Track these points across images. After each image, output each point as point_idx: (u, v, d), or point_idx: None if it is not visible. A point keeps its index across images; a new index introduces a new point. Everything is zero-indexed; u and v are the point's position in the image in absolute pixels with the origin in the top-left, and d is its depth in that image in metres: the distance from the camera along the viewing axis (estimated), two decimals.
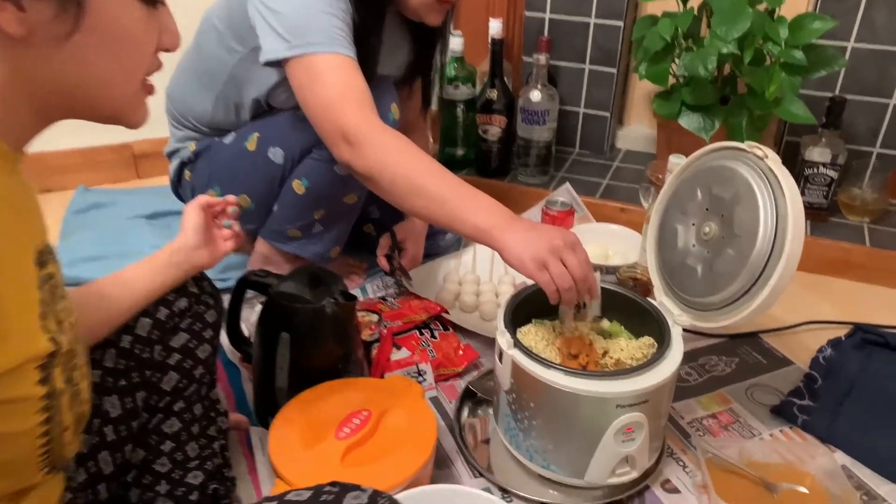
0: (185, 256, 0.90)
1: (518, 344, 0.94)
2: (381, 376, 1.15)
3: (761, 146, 0.92)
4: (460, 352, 1.22)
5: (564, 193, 1.69)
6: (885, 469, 1.04)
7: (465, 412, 1.13)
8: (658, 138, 1.74)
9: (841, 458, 1.07)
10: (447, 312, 1.29)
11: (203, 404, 0.92)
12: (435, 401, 1.16)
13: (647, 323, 1.03)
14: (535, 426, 0.96)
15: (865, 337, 1.28)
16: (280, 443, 0.90)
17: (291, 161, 1.24)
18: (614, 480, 0.95)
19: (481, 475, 1.02)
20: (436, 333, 1.25)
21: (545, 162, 1.81)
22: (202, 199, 0.95)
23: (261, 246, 1.40)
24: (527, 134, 1.77)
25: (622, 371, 0.91)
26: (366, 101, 1.02)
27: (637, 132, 2.00)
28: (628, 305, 1.06)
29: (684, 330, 0.98)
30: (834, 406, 1.13)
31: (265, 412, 1.07)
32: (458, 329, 1.31)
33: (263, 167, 1.25)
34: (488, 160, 1.83)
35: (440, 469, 1.03)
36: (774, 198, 0.89)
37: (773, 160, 0.91)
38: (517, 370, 0.93)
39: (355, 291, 1.45)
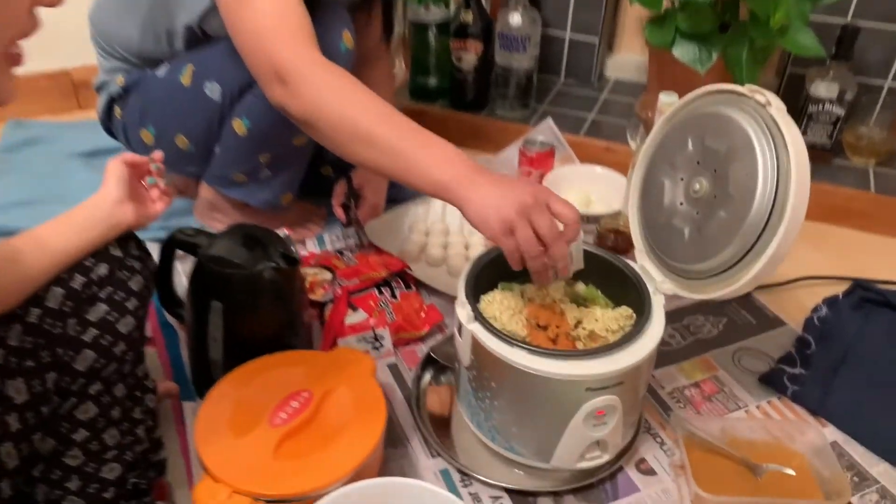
0: (108, 212, 0.78)
1: (479, 317, 0.82)
2: (334, 342, 1.05)
3: (764, 91, 0.79)
4: (423, 314, 1.11)
5: (546, 131, 1.54)
6: (880, 447, 0.96)
7: (426, 381, 1.03)
8: (649, 71, 1.58)
9: (833, 433, 0.98)
10: (409, 269, 1.17)
11: (126, 383, 0.81)
12: (393, 368, 1.06)
13: (626, 288, 0.91)
14: (496, 407, 0.86)
15: (864, 295, 1.18)
16: (207, 429, 0.80)
17: (230, 98, 1.09)
18: (584, 465, 0.86)
19: (439, 455, 0.93)
20: (396, 292, 1.13)
21: (526, 93, 1.65)
22: (127, 156, 0.83)
23: (205, 191, 1.27)
24: (506, 62, 1.61)
25: (593, 350, 0.80)
26: (303, 31, 0.87)
27: (628, 60, 1.84)
28: (606, 268, 0.94)
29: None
30: (827, 375, 1.04)
31: (202, 385, 0.96)
32: (423, 286, 1.20)
33: (200, 104, 1.10)
34: (463, 91, 1.67)
35: (395, 448, 0.94)
36: (776, 154, 0.76)
37: (778, 109, 0.77)
38: (477, 346, 0.82)
39: (313, 242, 1.33)
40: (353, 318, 1.08)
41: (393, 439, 0.95)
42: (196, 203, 1.31)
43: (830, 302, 1.18)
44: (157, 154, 0.85)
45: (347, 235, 1.31)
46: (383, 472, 0.90)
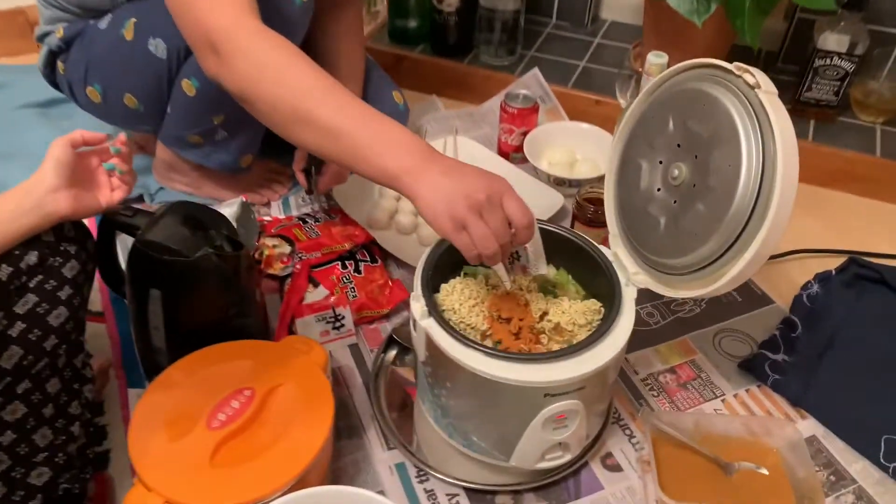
0: (38, 201, 0.70)
1: (434, 311, 0.76)
2: (291, 322, 0.99)
3: (754, 71, 0.70)
4: (387, 290, 1.05)
5: (532, 82, 1.44)
6: (860, 442, 0.91)
7: (388, 364, 0.98)
8: (645, 21, 1.45)
9: (813, 426, 0.94)
10: (374, 242, 1.11)
11: (61, 377, 0.76)
12: (354, 349, 1.01)
13: (596, 276, 0.84)
14: (452, 406, 0.81)
15: (859, 272, 1.12)
16: (142, 430, 0.75)
17: (177, 56, 0.99)
18: (544, 465, 0.82)
19: (395, 448, 0.89)
20: (361, 266, 1.07)
21: (512, 38, 1.54)
22: (75, 135, 0.74)
23: (161, 152, 1.19)
24: (490, 3, 1.48)
25: (554, 354, 0.74)
26: None
27: (625, 0, 1.70)
28: (576, 252, 0.87)
29: None
30: (811, 363, 0.98)
31: (151, 371, 0.91)
32: (391, 258, 1.13)
33: (144, 62, 1.01)
34: (445, 35, 1.55)
35: (350, 438, 0.90)
36: (762, 144, 0.68)
37: (767, 92, 0.68)
38: (431, 345, 0.76)
39: (277, 205, 1.25)
40: (314, 295, 1.02)
41: (349, 429, 0.91)
42: (154, 162, 1.23)
43: (822, 278, 1.11)
44: (122, 137, 0.77)
45: (314, 199, 1.24)
46: (336, 466, 0.87)
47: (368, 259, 1.08)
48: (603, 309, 0.82)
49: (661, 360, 1.02)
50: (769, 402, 0.96)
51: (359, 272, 1.06)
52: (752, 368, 0.99)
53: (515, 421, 0.77)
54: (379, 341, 1.01)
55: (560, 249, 0.87)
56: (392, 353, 1.00)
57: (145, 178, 1.26)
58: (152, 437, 0.74)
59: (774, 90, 0.69)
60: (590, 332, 0.80)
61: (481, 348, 0.73)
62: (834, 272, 1.12)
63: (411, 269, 1.10)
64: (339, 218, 1.14)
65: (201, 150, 1.13)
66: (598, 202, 1.13)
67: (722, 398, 0.96)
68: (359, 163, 0.73)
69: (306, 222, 1.13)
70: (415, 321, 0.78)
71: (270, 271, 1.04)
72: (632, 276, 0.82)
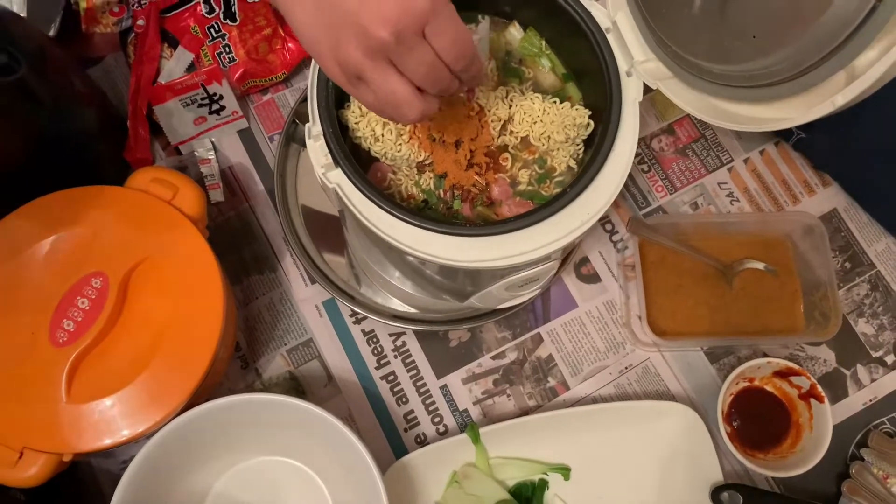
0: None
1: (342, 158, 0.50)
2: (149, 113, 0.70)
3: None
4: (279, 44, 0.73)
5: None
6: (888, 215, 0.74)
7: (296, 160, 0.73)
8: None
9: (835, 196, 0.76)
10: None
11: None
12: (246, 136, 0.74)
13: (583, 50, 0.56)
14: (391, 258, 0.61)
15: None
16: None
17: None
18: (509, 304, 0.65)
19: (319, 282, 0.69)
20: (234, 6, 0.72)
21: None
22: None
23: None
24: None
25: (522, 220, 0.50)
26: None
27: None
28: (553, 8, 0.56)
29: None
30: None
31: None
32: None
33: None
34: None
35: (261, 273, 0.70)
36: None
37: None
38: (348, 207, 0.52)
39: None
40: (172, 66, 0.70)
41: (257, 259, 0.70)
42: None
43: None
44: None
45: None
46: (248, 312, 0.69)
47: None
48: (591, 122, 0.56)
49: (657, 113, 0.77)
50: (787, 166, 0.76)
51: (233, 18, 0.72)
52: None
53: (473, 282, 0.59)
54: (279, 122, 0.74)
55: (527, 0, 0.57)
56: (300, 136, 0.73)
57: None
58: None
59: None
60: (570, 154, 0.56)
61: (420, 223, 0.49)
62: None
63: None
64: None
65: None
66: None
67: (729, 166, 0.76)
68: None
69: None
70: (317, 172, 0.52)
71: (98, 30, 0.70)
72: (637, 64, 0.54)
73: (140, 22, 0.70)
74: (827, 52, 0.42)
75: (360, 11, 0.38)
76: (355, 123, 0.54)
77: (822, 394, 0.64)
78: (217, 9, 0.72)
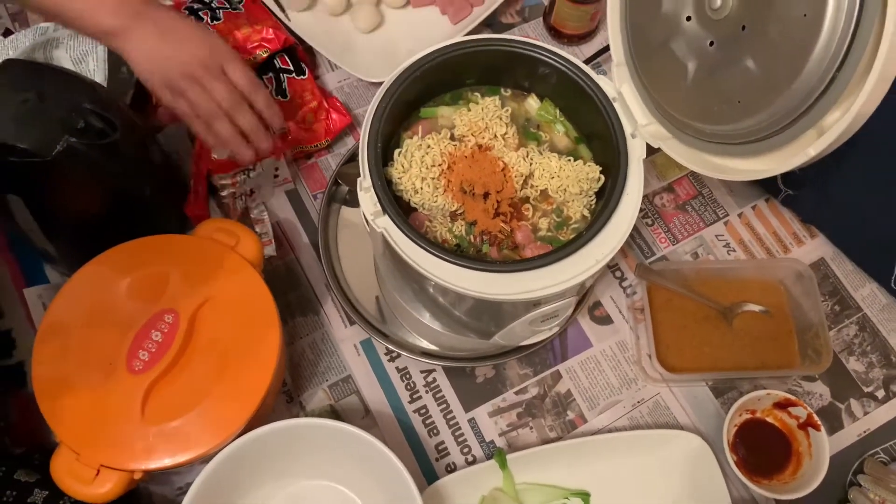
0: None
1: (389, 208, 0.58)
2: (207, 182, 0.79)
3: None
4: (324, 115, 0.83)
5: None
6: (871, 263, 0.82)
7: (336, 214, 0.81)
8: None
9: (822, 246, 0.84)
10: (301, 43, 0.84)
11: None
12: (293, 197, 0.83)
13: (593, 115, 0.65)
14: (422, 300, 0.69)
15: None
16: (49, 382, 0.61)
17: None
18: (531, 341, 0.72)
19: (357, 323, 0.77)
20: (284, 81, 0.83)
21: None
22: None
23: None
24: None
25: (544, 259, 0.58)
26: None
27: None
28: (564, 80, 0.66)
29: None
30: (829, 169, 0.84)
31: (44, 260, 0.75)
32: (320, 57, 0.88)
33: None
34: None
35: (305, 315, 0.78)
36: None
37: None
38: (392, 248, 0.60)
39: None
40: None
41: (302, 303, 0.78)
42: None
43: None
44: None
45: None
46: (292, 350, 0.76)
47: (292, 68, 0.84)
48: (602, 177, 0.64)
49: (657, 173, 0.86)
50: (777, 220, 0.85)
51: (283, 93, 0.82)
52: (762, 180, 0.84)
53: (497, 320, 0.66)
54: (321, 183, 0.83)
55: (542, 76, 0.67)
56: (341, 192, 0.82)
57: None
58: (64, 388, 0.62)
59: None
60: (584, 205, 0.64)
61: (455, 261, 0.57)
62: None
63: (348, 76, 0.88)
64: (245, 5, 0.85)
65: None
66: None
67: (725, 220, 0.84)
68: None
69: (199, 18, 0.84)
70: (366, 218, 0.60)
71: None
72: (640, 127, 0.63)
73: None
74: (799, 114, 0.51)
75: (184, 55, 0.62)
76: (398, 178, 0.63)
77: (819, 422, 0.70)
78: (269, 86, 0.82)
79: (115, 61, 0.74)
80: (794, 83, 0.49)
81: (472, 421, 0.75)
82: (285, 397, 0.74)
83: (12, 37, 0.76)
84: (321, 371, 0.75)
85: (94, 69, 0.74)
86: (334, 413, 0.74)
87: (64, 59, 0.76)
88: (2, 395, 0.70)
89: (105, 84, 0.75)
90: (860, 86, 0.46)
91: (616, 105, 0.63)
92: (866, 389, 0.77)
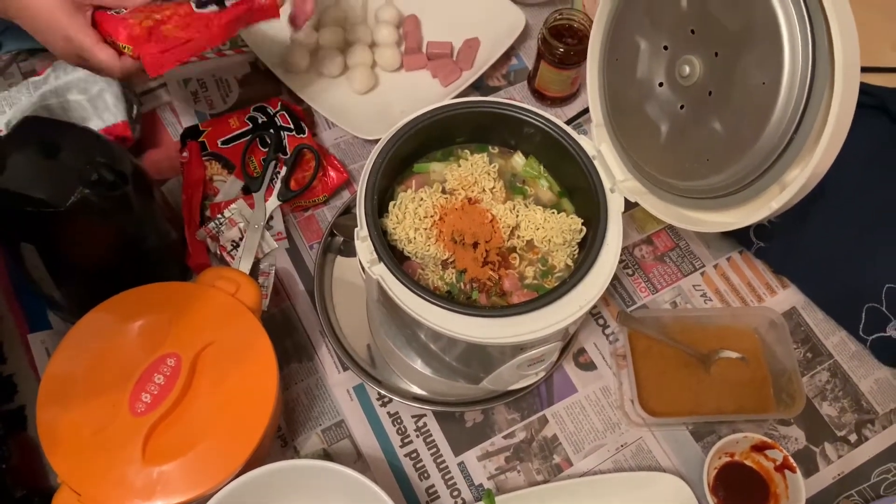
0: None
1: (385, 256, 0.62)
2: (204, 221, 0.83)
3: None
4: (321, 173, 0.87)
5: None
6: (839, 312, 0.86)
7: (331, 264, 0.85)
8: None
9: (793, 296, 0.88)
10: (300, 103, 0.90)
11: None
12: (292, 250, 0.87)
13: (574, 171, 0.70)
14: (413, 346, 0.72)
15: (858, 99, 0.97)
16: (53, 424, 0.64)
17: None
18: (518, 386, 0.75)
19: (350, 368, 0.80)
20: (284, 137, 0.87)
21: None
22: None
23: None
24: None
25: (530, 305, 0.62)
26: None
27: None
28: (547, 140, 0.71)
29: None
30: (797, 221, 0.89)
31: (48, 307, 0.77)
32: (317, 115, 0.93)
33: None
34: None
35: (300, 361, 0.80)
36: (814, 58, 0.50)
37: None
38: (386, 294, 0.63)
39: None
40: (228, 187, 0.84)
41: (298, 349, 0.81)
42: None
43: None
44: None
45: None
46: (288, 396, 0.79)
47: (292, 127, 0.88)
48: (584, 229, 0.69)
49: (637, 226, 0.91)
50: (751, 271, 0.89)
51: (284, 151, 0.87)
52: (735, 233, 0.90)
53: (485, 365, 0.69)
54: (318, 234, 0.87)
55: (527, 135, 0.72)
56: (336, 243, 0.86)
57: None
58: (68, 429, 0.63)
59: None
60: (568, 255, 0.68)
61: (447, 306, 0.61)
62: None
63: (345, 133, 0.93)
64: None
65: None
66: (572, 31, 0.92)
67: (702, 271, 0.89)
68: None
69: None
70: (362, 266, 0.64)
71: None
72: (619, 182, 0.68)
73: (185, 154, 0.85)
74: (762, 171, 0.55)
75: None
76: (393, 229, 0.67)
77: (794, 465, 0.73)
78: (269, 142, 0.87)
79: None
80: (757, 143, 0.54)
81: (461, 465, 0.77)
82: (280, 441, 0.76)
83: (17, 87, 0.82)
84: (315, 416, 0.78)
85: (114, 105, 0.80)
86: (328, 457, 0.76)
87: (81, 100, 0.81)
88: (3, 439, 0.72)
89: (127, 118, 0.80)
90: (816, 145, 0.51)
91: (596, 162, 0.68)
92: (839, 434, 0.80)
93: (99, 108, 0.81)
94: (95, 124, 0.81)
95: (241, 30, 0.76)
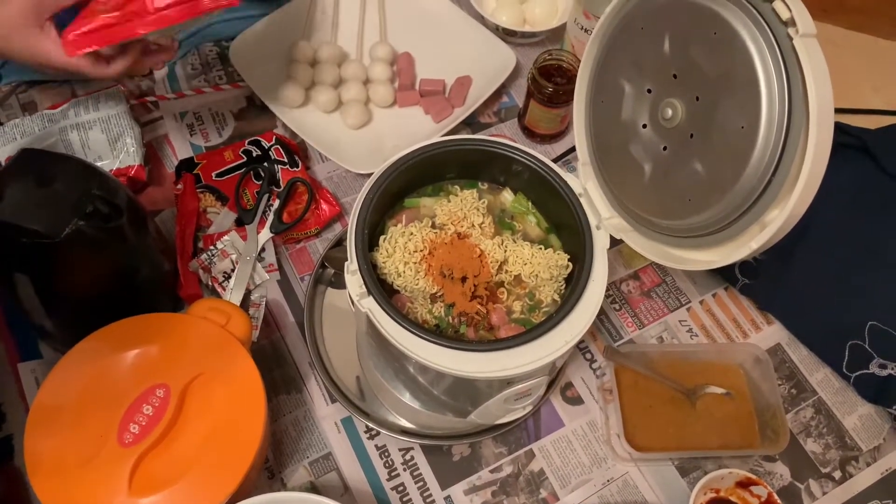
0: None
1: (374, 290, 0.63)
2: (197, 252, 0.84)
3: (790, 2, 0.51)
4: (314, 205, 0.88)
5: None
6: (823, 349, 0.87)
7: (321, 297, 0.86)
8: None
9: (778, 333, 0.89)
10: (294, 137, 0.91)
11: None
12: (283, 282, 0.88)
13: (562, 208, 0.71)
14: (402, 379, 0.73)
15: (837, 139, 0.99)
16: (40, 451, 0.64)
17: None
18: (505, 420, 0.76)
19: (339, 401, 0.80)
20: (278, 173, 0.89)
21: None
22: None
23: None
24: None
25: (516, 340, 0.63)
26: None
27: None
28: (535, 177, 0.72)
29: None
30: (783, 259, 0.91)
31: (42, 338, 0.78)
32: (311, 148, 0.95)
33: None
34: None
35: (289, 393, 0.81)
36: (789, 104, 0.52)
37: (804, 36, 0.51)
38: (374, 327, 0.64)
39: (164, 83, 1.00)
40: (221, 219, 0.85)
41: (286, 381, 0.81)
42: None
43: None
44: None
45: (207, 62, 0.99)
46: (276, 427, 0.79)
47: (286, 160, 0.90)
48: (570, 265, 0.70)
49: (623, 262, 0.93)
50: (736, 307, 0.90)
51: (277, 184, 0.88)
52: (721, 270, 0.91)
53: (473, 399, 0.70)
54: (309, 266, 0.88)
55: (516, 173, 0.73)
56: (327, 276, 0.87)
57: None
58: (55, 459, 0.63)
59: (813, 30, 0.51)
60: (555, 290, 0.69)
61: (435, 340, 0.62)
62: None
63: (338, 167, 0.94)
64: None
65: None
66: (559, 72, 0.94)
67: (688, 306, 0.90)
68: None
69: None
70: (352, 299, 0.65)
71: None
72: (604, 220, 0.69)
73: (179, 186, 0.86)
74: (743, 211, 0.57)
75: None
76: (382, 262, 0.68)
77: (779, 501, 0.73)
78: (263, 175, 0.88)
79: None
80: (737, 184, 0.55)
81: (448, 499, 0.77)
82: (267, 473, 0.76)
83: (31, 118, 0.83)
84: (302, 448, 0.78)
85: (133, 148, 0.82)
86: (315, 489, 0.76)
87: (100, 139, 0.84)
88: None
89: (141, 161, 0.82)
90: (793, 188, 0.52)
91: (582, 200, 0.70)
92: (824, 470, 0.81)
93: (118, 148, 0.83)
94: (110, 164, 0.83)
95: (194, 18, 0.71)
